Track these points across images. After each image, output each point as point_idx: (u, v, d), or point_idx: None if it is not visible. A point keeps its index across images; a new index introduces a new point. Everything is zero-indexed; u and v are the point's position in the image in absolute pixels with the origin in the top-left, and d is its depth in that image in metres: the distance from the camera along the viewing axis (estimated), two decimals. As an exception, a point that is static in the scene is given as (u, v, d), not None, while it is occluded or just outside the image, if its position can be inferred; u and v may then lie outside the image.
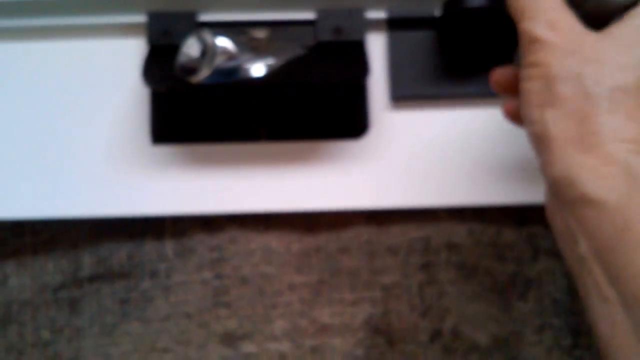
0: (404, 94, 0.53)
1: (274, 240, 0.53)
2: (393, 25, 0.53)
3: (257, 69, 0.47)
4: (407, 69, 0.53)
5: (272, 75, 0.47)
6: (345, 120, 0.52)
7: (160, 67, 0.49)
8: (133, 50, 0.53)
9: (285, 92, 0.51)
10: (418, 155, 0.53)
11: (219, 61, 0.46)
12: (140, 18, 0.52)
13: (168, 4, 0.51)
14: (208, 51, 0.45)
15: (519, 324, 0.53)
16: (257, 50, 0.48)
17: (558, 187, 0.35)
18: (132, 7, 0.51)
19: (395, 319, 0.53)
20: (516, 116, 0.42)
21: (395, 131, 0.53)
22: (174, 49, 0.46)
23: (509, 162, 0.52)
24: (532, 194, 0.52)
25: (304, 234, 0.54)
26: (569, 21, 0.36)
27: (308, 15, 0.52)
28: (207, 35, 0.46)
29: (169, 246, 0.53)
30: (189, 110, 0.51)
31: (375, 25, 0.53)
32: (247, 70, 0.47)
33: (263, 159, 0.53)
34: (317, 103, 0.51)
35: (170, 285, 0.53)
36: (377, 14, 0.52)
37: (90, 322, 0.54)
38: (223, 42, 0.46)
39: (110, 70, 0.53)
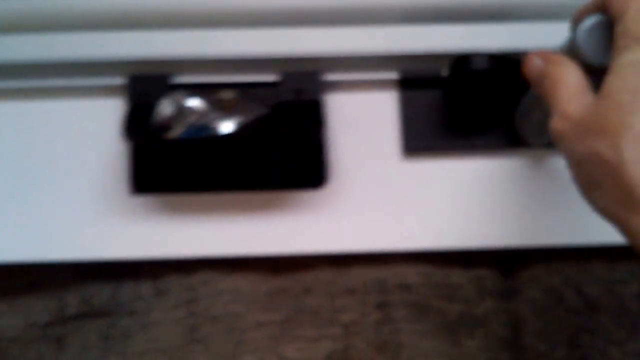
0: (416, 147, 0.58)
1: (242, 282, 0.58)
2: (404, 84, 0.58)
3: (226, 126, 0.52)
4: (418, 124, 0.58)
5: (240, 131, 0.52)
6: (306, 172, 0.56)
7: (139, 123, 0.54)
8: (113, 109, 0.58)
9: (251, 147, 0.55)
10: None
11: (191, 119, 0.51)
12: (120, 80, 0.57)
13: (146, 69, 0.56)
14: (181, 110, 0.51)
15: (468, 359, 0.58)
16: (225, 109, 0.53)
17: None
18: (114, 70, 0.57)
19: (354, 354, 0.57)
20: None
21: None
22: (151, 108, 0.51)
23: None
24: (479, 238, 0.57)
25: (270, 276, 0.58)
26: (580, 102, 0.38)
27: (272, 77, 0.57)
28: (180, 96, 0.51)
29: (145, 287, 0.58)
30: (165, 163, 0.56)
31: (381, 84, 0.58)
32: (216, 127, 0.52)
33: (233, 207, 0.57)
34: (280, 156, 0.56)
35: (147, 323, 0.57)
36: (333, 76, 0.57)
37: (74, 356, 0.58)
38: (194, 102, 0.51)
39: (93, 127, 0.58)
